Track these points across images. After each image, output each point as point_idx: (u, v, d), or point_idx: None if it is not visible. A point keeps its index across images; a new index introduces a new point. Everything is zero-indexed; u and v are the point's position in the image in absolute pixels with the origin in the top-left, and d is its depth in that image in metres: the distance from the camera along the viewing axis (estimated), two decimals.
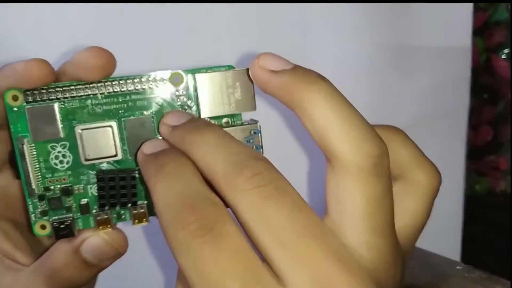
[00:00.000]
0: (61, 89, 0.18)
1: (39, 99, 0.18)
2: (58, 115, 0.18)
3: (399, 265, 0.17)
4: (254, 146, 0.19)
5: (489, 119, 0.44)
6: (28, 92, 0.18)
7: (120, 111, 0.19)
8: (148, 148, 0.19)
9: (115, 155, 0.19)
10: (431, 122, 0.39)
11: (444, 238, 0.39)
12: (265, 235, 0.15)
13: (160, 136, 0.19)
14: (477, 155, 0.44)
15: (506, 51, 0.43)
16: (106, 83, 0.18)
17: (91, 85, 0.18)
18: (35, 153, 0.18)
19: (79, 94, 0.18)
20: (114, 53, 0.19)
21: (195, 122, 0.19)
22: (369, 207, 0.16)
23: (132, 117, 0.19)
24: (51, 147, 0.18)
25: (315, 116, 0.16)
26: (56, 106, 0.18)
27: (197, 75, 0.19)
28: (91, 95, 0.18)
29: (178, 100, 0.19)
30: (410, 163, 0.19)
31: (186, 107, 0.19)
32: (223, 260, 0.14)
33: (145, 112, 0.19)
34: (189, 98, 0.19)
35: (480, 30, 0.44)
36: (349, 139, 0.16)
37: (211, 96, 0.19)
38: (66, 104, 0.18)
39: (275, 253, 0.14)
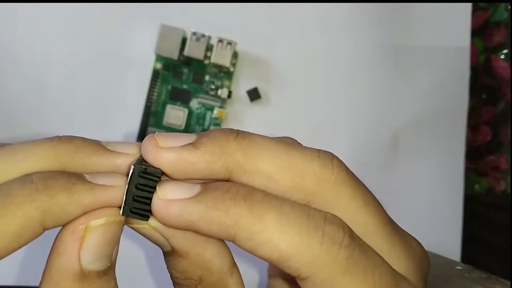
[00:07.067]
0: None
1: None
2: None
3: None
4: None
5: (488, 119, 0.44)
6: None
7: None
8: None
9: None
10: (430, 123, 0.39)
11: (444, 238, 0.39)
12: None
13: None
14: (476, 155, 0.44)
15: (505, 51, 0.43)
16: None
17: None
18: None
19: None
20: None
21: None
22: None
23: None
24: None
25: None
26: None
27: None
28: None
29: None
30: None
31: None
32: None
33: None
34: None
35: (480, 30, 0.44)
36: None
37: None
38: None
39: None
